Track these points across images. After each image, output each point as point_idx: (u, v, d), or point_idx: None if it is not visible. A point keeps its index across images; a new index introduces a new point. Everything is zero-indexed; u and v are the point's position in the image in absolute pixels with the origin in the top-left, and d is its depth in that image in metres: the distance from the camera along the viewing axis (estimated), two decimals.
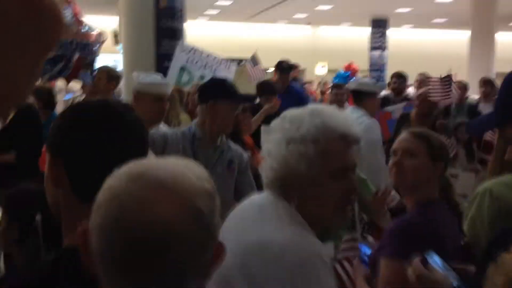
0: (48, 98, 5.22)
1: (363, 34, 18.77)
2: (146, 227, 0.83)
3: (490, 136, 5.22)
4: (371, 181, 3.52)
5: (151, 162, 0.93)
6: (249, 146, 4.54)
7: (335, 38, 20.66)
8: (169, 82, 3.93)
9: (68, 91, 8.27)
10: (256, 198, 1.62)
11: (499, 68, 12.80)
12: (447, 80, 5.86)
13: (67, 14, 6.41)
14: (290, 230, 1.44)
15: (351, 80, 10.46)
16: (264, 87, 5.85)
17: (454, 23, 18.92)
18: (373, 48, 18.53)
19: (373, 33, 18.51)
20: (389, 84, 9.73)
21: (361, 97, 4.75)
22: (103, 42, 6.79)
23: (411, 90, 9.15)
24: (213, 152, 3.25)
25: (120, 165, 0.92)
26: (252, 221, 1.52)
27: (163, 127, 3.77)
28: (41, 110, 4.90)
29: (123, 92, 7.33)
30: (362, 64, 14.56)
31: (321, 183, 1.48)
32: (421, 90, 5.90)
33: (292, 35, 20.39)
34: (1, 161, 4.62)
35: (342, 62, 12.56)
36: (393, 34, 19.05)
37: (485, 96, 7.69)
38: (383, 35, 18.28)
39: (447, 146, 2.20)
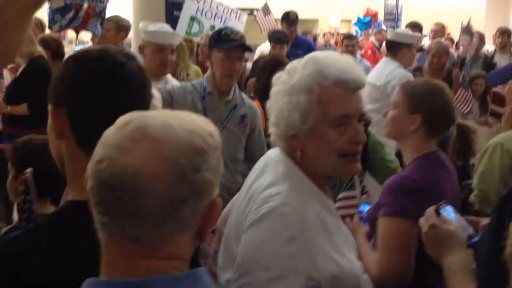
0: (56, 48, 5.19)
1: None
2: (117, 173, 0.85)
3: (500, 87, 5.14)
4: None
5: (145, 113, 0.93)
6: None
7: None
8: (175, 32, 3.81)
9: (79, 42, 8.21)
10: (265, 156, 1.61)
11: None
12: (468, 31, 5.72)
13: None
14: (282, 187, 1.43)
15: (373, 24, 10.25)
16: (276, 36, 5.72)
17: None
18: None
19: None
20: None
21: (396, 48, 4.63)
22: None
23: (426, 41, 8.98)
24: (224, 107, 3.15)
25: (121, 114, 0.91)
26: (253, 179, 1.53)
27: (171, 80, 3.71)
28: (50, 60, 4.87)
29: (133, 42, 7.25)
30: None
31: (321, 133, 1.45)
32: (435, 41, 5.79)
33: None
34: (14, 113, 4.65)
35: (356, 13, 12.31)
36: None
37: (502, 47, 7.53)
38: None
39: (429, 98, 2.05)
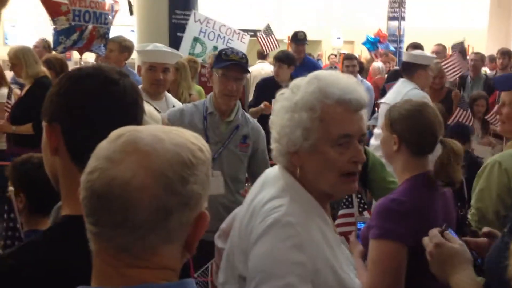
0: (60, 68, 5.27)
1: (380, 4, 18.41)
2: (106, 183, 0.88)
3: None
4: None
5: (137, 128, 0.96)
6: None
7: (350, 8, 20.28)
8: (170, 51, 3.81)
9: (84, 63, 8.29)
10: (264, 173, 1.63)
11: None
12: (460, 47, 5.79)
13: None
14: (284, 199, 1.45)
15: (381, 46, 10.29)
16: (280, 57, 5.69)
17: None
18: (390, 18, 18.26)
19: (390, 2, 18.23)
20: None
21: (412, 69, 4.67)
22: (116, 12, 6.76)
23: None
24: (225, 127, 3.15)
25: (114, 130, 0.94)
26: (254, 195, 1.55)
27: (171, 99, 3.73)
28: (54, 80, 4.93)
29: (136, 63, 7.32)
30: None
31: (321, 151, 1.46)
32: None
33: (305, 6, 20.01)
34: (19, 132, 4.72)
35: (359, 34, 12.37)
36: (411, 6, 18.69)
37: (503, 68, 7.57)
38: (401, 5, 17.96)
39: (406, 118, 2.03)
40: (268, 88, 5.02)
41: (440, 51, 7.79)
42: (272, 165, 1.75)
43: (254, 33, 8.80)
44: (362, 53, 13.68)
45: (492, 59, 8.87)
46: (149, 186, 0.88)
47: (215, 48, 6.24)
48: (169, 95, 3.75)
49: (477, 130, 5.81)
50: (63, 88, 1.19)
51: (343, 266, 1.49)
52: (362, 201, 2.72)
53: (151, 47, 3.67)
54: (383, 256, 1.87)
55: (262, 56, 7.69)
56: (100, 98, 1.17)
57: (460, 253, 1.60)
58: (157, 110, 2.84)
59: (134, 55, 5.97)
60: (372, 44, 11.44)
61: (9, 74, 5.62)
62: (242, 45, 6.44)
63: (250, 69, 6.72)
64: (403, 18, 17.95)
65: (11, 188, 1.77)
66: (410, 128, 2.04)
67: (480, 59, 7.36)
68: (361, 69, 7.36)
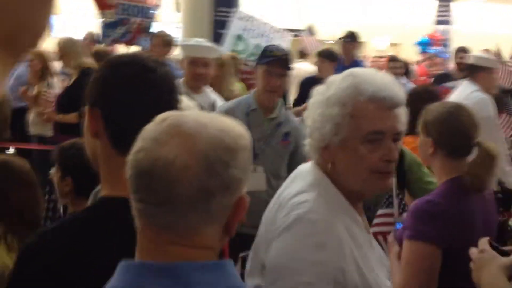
0: None
1: (429, 7, 18.10)
2: (150, 163, 0.92)
3: None
4: None
5: (181, 112, 1.01)
6: None
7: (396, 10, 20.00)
8: (210, 46, 3.86)
9: None
10: (297, 168, 1.63)
11: None
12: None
13: None
14: (310, 195, 1.46)
15: (434, 50, 10.16)
16: (324, 53, 5.70)
17: None
18: (438, 22, 17.95)
19: (439, 6, 17.93)
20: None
21: (475, 72, 4.61)
22: (158, 6, 6.89)
23: None
24: (267, 124, 3.17)
25: (151, 116, 0.98)
26: (283, 189, 1.57)
27: (210, 94, 3.76)
28: None
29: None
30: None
31: (352, 147, 1.45)
32: None
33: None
34: (64, 121, 4.88)
35: (405, 36, 12.22)
36: (459, 9, 18.31)
37: None
38: (448, 9, 17.66)
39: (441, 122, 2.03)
40: (311, 86, 5.01)
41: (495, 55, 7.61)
42: None
43: (294, 33, 8.79)
44: (408, 56, 13.48)
45: None
46: (191, 167, 0.92)
47: (258, 46, 6.26)
48: (209, 90, 3.79)
49: None
50: (103, 75, 1.24)
51: (372, 265, 1.48)
52: (403, 202, 2.69)
53: (193, 42, 3.76)
54: (415, 257, 1.87)
55: (302, 55, 7.70)
56: (137, 84, 1.21)
57: (498, 258, 1.55)
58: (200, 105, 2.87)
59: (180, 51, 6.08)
60: (424, 45, 11.29)
61: (54, 65, 5.80)
62: (284, 43, 6.44)
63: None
64: (450, 22, 17.65)
65: (52, 171, 1.84)
66: (444, 131, 2.03)
67: None
68: (407, 71, 7.27)
